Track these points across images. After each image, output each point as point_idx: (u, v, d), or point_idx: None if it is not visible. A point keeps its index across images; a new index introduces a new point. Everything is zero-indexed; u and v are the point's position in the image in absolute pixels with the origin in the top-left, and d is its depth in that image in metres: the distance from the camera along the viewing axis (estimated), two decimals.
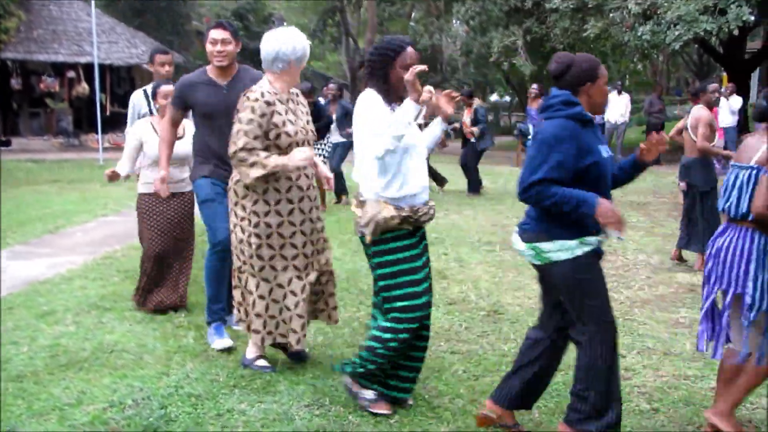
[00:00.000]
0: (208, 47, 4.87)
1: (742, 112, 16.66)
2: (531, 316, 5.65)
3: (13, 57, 22.68)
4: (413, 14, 34.72)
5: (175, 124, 5.16)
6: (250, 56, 27.94)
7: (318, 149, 10.71)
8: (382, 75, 3.77)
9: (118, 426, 3.77)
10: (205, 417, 3.87)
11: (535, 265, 3.54)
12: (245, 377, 4.39)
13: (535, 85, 15.36)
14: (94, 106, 19.98)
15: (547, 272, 3.49)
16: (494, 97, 44.41)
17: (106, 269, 7.26)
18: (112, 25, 25.34)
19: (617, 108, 18.52)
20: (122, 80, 26.10)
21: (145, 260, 5.79)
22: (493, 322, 5.59)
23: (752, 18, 15.36)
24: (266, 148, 4.13)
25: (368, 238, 3.72)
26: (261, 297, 4.27)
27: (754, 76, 22.88)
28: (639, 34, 15.77)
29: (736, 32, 14.82)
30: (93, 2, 20.81)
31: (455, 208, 11.37)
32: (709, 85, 7.89)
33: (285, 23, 41.24)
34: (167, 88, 5.52)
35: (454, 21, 30.28)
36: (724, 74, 20.47)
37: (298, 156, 4.10)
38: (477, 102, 13.48)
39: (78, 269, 7.29)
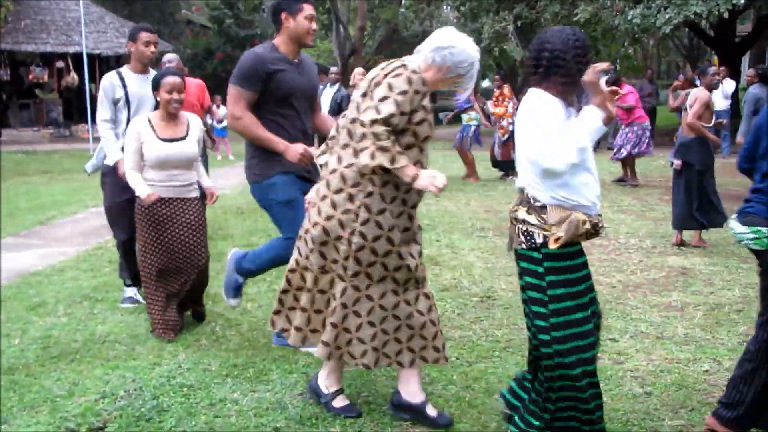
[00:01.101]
0: (305, 23, 4.32)
1: (734, 95, 16.68)
2: None
3: (1, 48, 22.55)
4: (403, 1, 34.60)
5: (250, 108, 4.34)
6: (240, 44, 27.88)
7: None
8: (570, 74, 3.10)
9: (110, 417, 3.75)
10: (197, 407, 3.87)
11: (754, 251, 3.34)
12: (238, 366, 4.38)
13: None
14: (84, 96, 19.94)
15: None
16: (486, 83, 44.34)
17: (97, 260, 7.24)
18: (101, 15, 25.25)
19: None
20: (111, 70, 25.95)
21: (146, 281, 5.01)
22: (486, 308, 5.59)
23: (742, 1, 15.34)
24: (402, 132, 3.37)
25: (559, 242, 3.06)
26: (344, 306, 3.52)
27: (745, 60, 22.89)
28: (629, 18, 15.76)
29: (726, 15, 14.82)
30: None
31: (447, 194, 11.36)
32: (709, 68, 7.98)
33: None
34: (175, 80, 4.84)
35: (444, 7, 30.25)
36: (715, 58, 20.47)
37: (427, 181, 3.30)
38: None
39: (69, 260, 7.27)
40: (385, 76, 3.36)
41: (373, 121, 3.23)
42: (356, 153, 3.33)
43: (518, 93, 17.46)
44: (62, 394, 4.04)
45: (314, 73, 4.64)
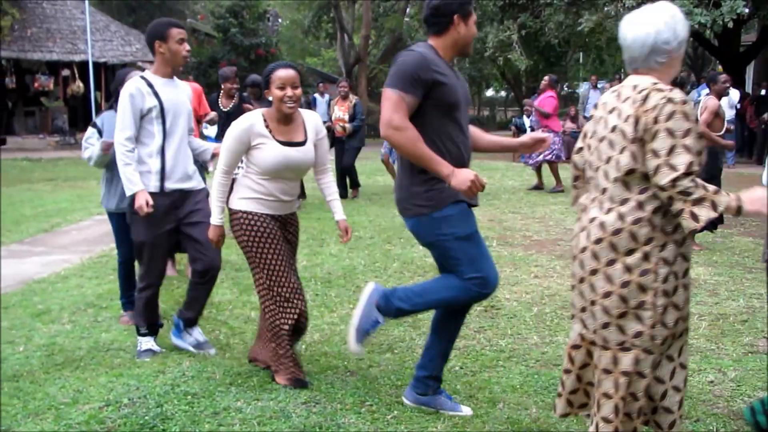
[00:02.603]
0: (474, 30, 3.74)
1: (740, 104, 16.68)
2: (528, 311, 5.66)
3: (7, 56, 22.68)
4: (408, 10, 34.67)
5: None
6: (245, 53, 27.95)
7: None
8: None
9: (114, 425, 3.75)
10: (201, 415, 3.86)
11: None
12: (241, 375, 4.37)
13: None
14: (89, 104, 20.02)
15: None
16: (490, 92, 44.40)
17: (101, 268, 7.25)
18: (107, 23, 25.34)
19: None
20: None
21: (279, 322, 4.18)
22: (491, 318, 5.58)
23: (746, 11, 15.36)
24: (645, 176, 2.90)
25: None
26: (640, 374, 2.98)
27: (749, 69, 22.87)
28: None
29: (730, 25, 14.81)
30: (87, 0, 20.77)
31: None
32: (720, 75, 8.00)
33: (280, 20, 41.23)
34: (289, 73, 4.08)
35: None
36: (720, 67, 20.47)
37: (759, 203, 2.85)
38: (356, 98, 12.76)
39: (74, 268, 7.28)
40: (655, 120, 2.83)
41: (674, 181, 2.77)
42: (640, 205, 2.89)
43: (521, 101, 17.50)
44: (66, 401, 4.03)
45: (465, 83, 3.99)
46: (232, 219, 4.13)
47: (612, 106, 3.01)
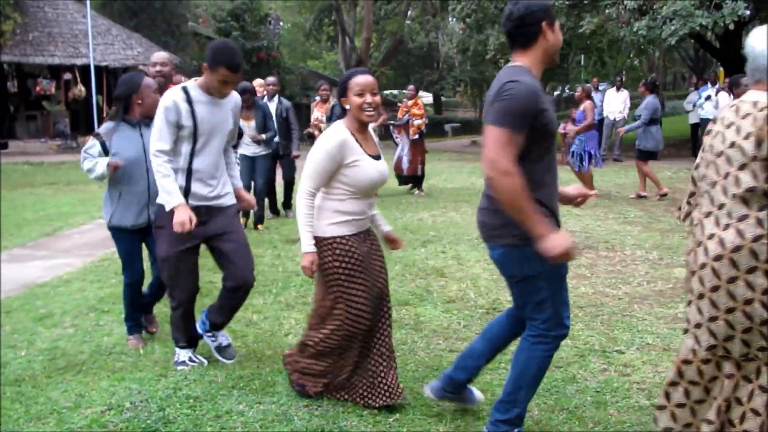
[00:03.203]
0: (559, 34, 3.40)
1: None
2: None
3: (9, 60, 22.72)
4: (409, 12, 34.74)
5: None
6: (247, 56, 27.97)
7: None
8: None
9: (116, 429, 3.75)
10: (203, 418, 3.86)
11: None
12: (243, 378, 4.37)
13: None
14: (91, 108, 20.04)
15: None
16: None
17: (103, 271, 7.25)
18: (108, 27, 25.37)
19: (616, 104, 18.65)
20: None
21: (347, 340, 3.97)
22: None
23: (747, 12, 15.36)
24: None
25: None
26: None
27: None
28: (635, 29, 15.77)
29: (731, 27, 14.82)
30: (88, 4, 20.82)
31: (453, 205, 11.36)
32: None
33: (281, 23, 41.27)
34: (368, 79, 3.79)
35: (450, 19, 30.33)
36: (721, 69, 20.47)
37: None
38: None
39: (76, 271, 7.29)
40: None
41: None
42: (760, 222, 2.89)
43: None
44: (69, 405, 4.04)
45: None
46: (322, 247, 3.81)
47: (730, 121, 3.00)
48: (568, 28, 18.18)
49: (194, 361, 4.71)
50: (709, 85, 17.53)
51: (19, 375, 4.52)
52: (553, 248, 3.08)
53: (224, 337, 4.81)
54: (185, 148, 4.33)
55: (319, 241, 3.82)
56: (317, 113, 11.64)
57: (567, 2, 17.69)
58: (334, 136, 3.75)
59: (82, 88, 23.01)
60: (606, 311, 5.72)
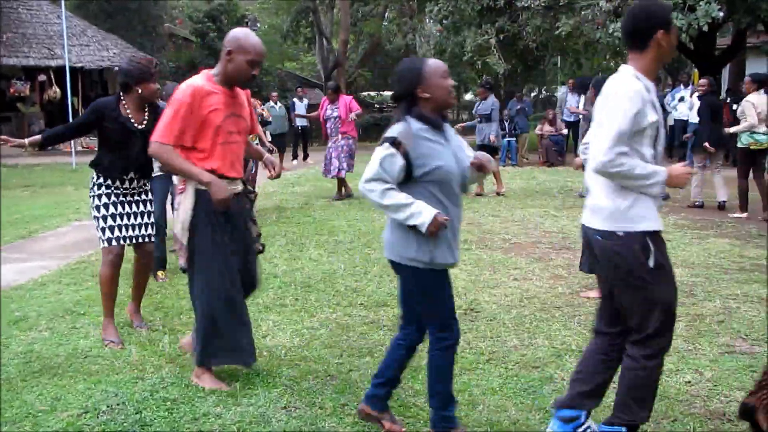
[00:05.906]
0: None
1: None
2: (507, 314, 5.68)
3: None
4: (386, 14, 34.73)
5: None
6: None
7: None
8: None
9: None
10: (180, 421, 3.85)
11: None
12: (221, 380, 4.36)
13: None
14: (66, 110, 19.83)
15: None
16: (468, 96, 44.50)
17: (79, 274, 7.20)
18: (83, 28, 25.17)
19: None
20: (94, 83, 25.93)
21: None
22: (470, 321, 5.60)
23: (721, 14, 15.51)
24: None
25: None
26: None
27: (725, 72, 23.12)
28: (610, 31, 15.88)
29: (705, 28, 14.98)
30: (63, 4, 20.63)
31: None
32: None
33: (258, 24, 41.13)
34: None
35: (427, 20, 30.34)
36: (695, 70, 20.66)
37: None
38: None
39: (51, 274, 7.22)
40: None
41: None
42: None
43: (504, 103, 17.56)
44: (44, 409, 4.01)
45: None
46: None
47: None
48: (545, 29, 18.30)
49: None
50: (682, 86, 17.68)
51: None
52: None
53: None
54: None
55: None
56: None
57: (543, 4, 17.79)
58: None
59: (57, 90, 22.80)
60: (583, 311, 5.75)
